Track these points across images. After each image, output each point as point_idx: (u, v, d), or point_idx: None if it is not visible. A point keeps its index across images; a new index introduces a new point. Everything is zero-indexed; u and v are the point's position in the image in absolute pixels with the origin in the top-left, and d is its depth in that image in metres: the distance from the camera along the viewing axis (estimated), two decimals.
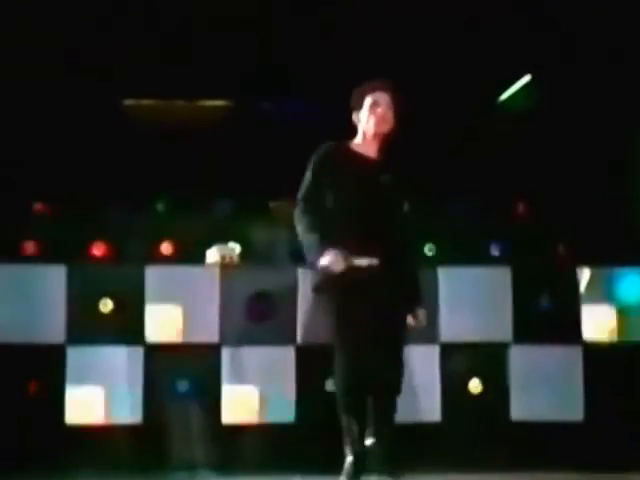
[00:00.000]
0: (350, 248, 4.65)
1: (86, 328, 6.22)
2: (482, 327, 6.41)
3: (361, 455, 4.74)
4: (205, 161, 7.17)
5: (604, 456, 6.00)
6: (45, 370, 6.17)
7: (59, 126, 7.04)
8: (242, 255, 6.67)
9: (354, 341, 4.67)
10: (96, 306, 6.26)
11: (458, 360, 6.43)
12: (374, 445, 4.78)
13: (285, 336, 6.29)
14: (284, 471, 5.79)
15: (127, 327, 6.26)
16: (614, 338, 6.54)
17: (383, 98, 4.89)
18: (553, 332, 6.44)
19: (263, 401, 6.24)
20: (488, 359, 6.46)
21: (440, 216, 6.96)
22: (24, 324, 6.16)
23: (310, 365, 6.12)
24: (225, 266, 6.46)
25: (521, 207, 7.17)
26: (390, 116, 4.88)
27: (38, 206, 6.80)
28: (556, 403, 6.35)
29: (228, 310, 6.30)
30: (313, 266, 4.71)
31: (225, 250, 6.57)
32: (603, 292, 6.55)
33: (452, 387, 6.40)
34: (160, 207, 7.08)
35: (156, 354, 6.25)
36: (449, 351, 6.41)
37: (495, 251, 6.92)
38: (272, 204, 7.06)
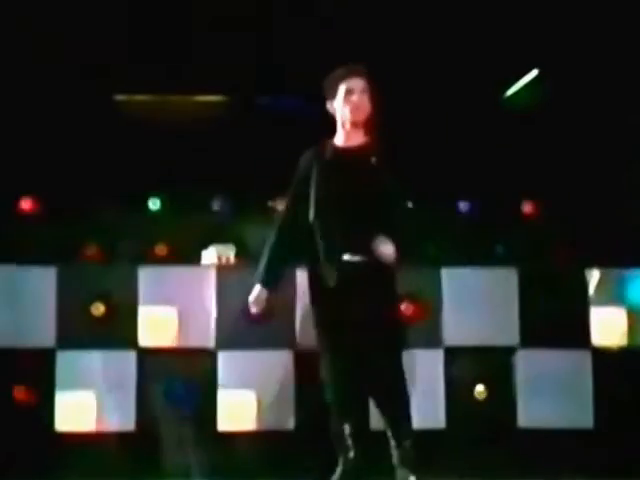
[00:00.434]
0: (338, 245, 4.63)
1: (77, 332, 6.17)
2: (487, 330, 6.36)
3: (351, 468, 4.69)
4: (201, 158, 7.09)
5: (615, 465, 5.99)
6: (34, 375, 6.14)
7: (49, 122, 6.96)
8: (239, 256, 6.59)
9: (338, 348, 4.67)
10: (87, 309, 6.22)
11: (463, 365, 6.38)
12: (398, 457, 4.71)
13: (283, 339, 6.25)
14: None
15: (119, 331, 6.22)
16: (624, 342, 6.48)
17: (357, 84, 4.73)
18: (561, 336, 6.37)
19: (260, 407, 6.21)
20: (494, 364, 6.41)
21: (444, 215, 6.86)
22: (13, 327, 6.13)
23: (309, 370, 5.80)
24: (221, 267, 6.43)
25: (528, 206, 7.06)
26: (366, 103, 4.73)
27: (27, 205, 6.73)
28: (565, 410, 6.30)
29: (224, 313, 6.26)
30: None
31: (222, 250, 6.53)
32: (613, 294, 6.50)
33: (456, 393, 6.34)
34: (154, 206, 6.97)
35: (149, 359, 6.22)
36: (453, 355, 6.36)
37: (501, 251, 6.81)
38: (270, 203, 6.87)
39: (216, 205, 6.97)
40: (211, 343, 6.25)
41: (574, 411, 6.32)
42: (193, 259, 6.54)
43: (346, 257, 4.63)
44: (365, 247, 4.59)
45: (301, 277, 5.82)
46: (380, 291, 4.66)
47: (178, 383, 6.20)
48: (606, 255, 6.52)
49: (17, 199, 6.71)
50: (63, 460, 6.03)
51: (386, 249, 4.57)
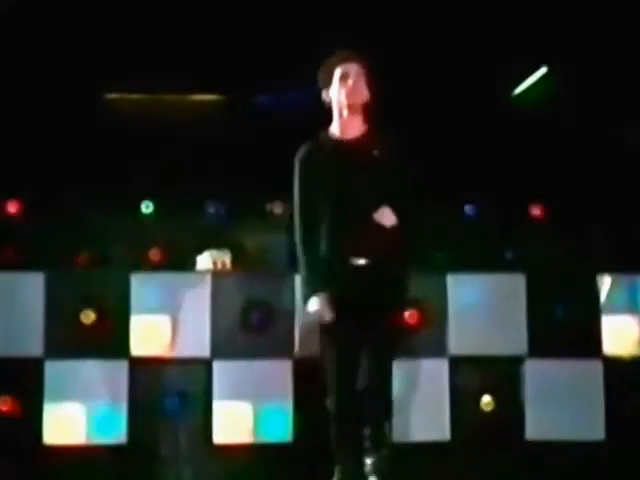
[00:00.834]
0: (340, 248, 4.66)
1: (66, 340, 6.11)
2: (494, 339, 6.29)
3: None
4: (196, 160, 7.12)
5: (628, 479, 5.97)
6: (21, 386, 6.07)
7: (37, 123, 6.98)
8: (235, 261, 6.55)
9: (339, 358, 4.74)
10: (77, 317, 6.14)
11: (469, 375, 6.30)
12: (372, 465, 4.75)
13: (282, 349, 6.17)
14: None
15: (110, 339, 6.15)
16: (637, 351, 6.41)
17: (352, 68, 4.77)
18: (571, 345, 6.31)
19: (258, 419, 6.16)
20: (501, 374, 6.34)
21: (449, 219, 6.86)
22: None
23: (309, 380, 5.80)
24: (217, 273, 6.38)
25: (536, 209, 7.05)
26: (362, 86, 4.76)
27: (13, 208, 6.71)
28: (575, 421, 6.23)
29: (220, 321, 6.21)
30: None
31: (217, 256, 6.49)
32: (625, 301, 6.42)
33: (462, 404, 6.26)
34: (147, 209, 6.97)
35: (142, 369, 6.15)
36: (459, 365, 6.29)
37: (509, 256, 6.79)
38: (268, 206, 6.96)
39: (211, 208, 6.95)
40: (206, 352, 6.18)
41: (585, 423, 6.25)
42: (187, 265, 6.51)
43: (354, 261, 4.65)
44: (372, 249, 4.62)
45: (300, 285, 5.84)
46: (387, 297, 4.70)
47: (172, 394, 6.12)
48: (618, 260, 6.50)
49: (3, 202, 6.70)
50: (51, 475, 5.97)
51: (387, 219, 4.65)
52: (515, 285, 6.36)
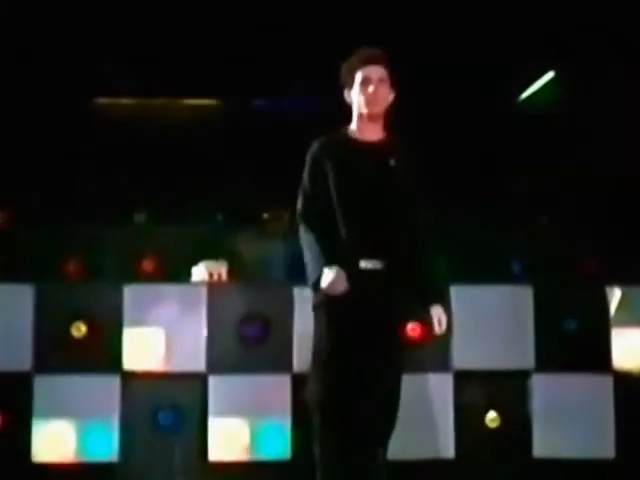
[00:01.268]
0: (353, 248, 4.58)
1: (56, 354, 6.05)
2: (500, 353, 6.23)
3: None
4: (190, 168, 7.25)
5: None
6: (10, 401, 6.00)
7: (26, 129, 7.05)
8: (232, 272, 6.53)
9: (334, 366, 4.56)
10: (67, 330, 6.08)
11: (474, 390, 6.25)
12: None
13: (280, 363, 6.11)
14: None
15: (103, 353, 6.09)
16: None
17: (375, 72, 4.67)
18: (580, 359, 6.25)
19: (255, 436, 6.09)
20: (507, 389, 6.28)
21: (455, 230, 6.82)
22: None
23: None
24: (213, 285, 6.35)
25: (544, 220, 7.09)
26: (384, 93, 4.68)
27: (1, 218, 6.70)
28: (584, 439, 6.16)
29: (216, 334, 6.15)
30: (315, 289, 4.62)
31: (213, 267, 6.44)
32: (636, 314, 6.36)
33: (467, 420, 6.21)
34: (140, 219, 6.99)
35: (135, 384, 6.08)
36: (464, 380, 6.23)
37: (516, 268, 6.76)
38: (265, 216, 6.95)
39: (207, 218, 6.95)
40: (201, 366, 6.12)
41: (594, 440, 6.18)
42: (182, 276, 6.47)
43: (363, 264, 4.57)
44: (383, 251, 4.57)
45: (299, 297, 5.96)
46: (393, 305, 4.64)
47: (166, 410, 6.07)
48: (628, 272, 6.45)
49: None
50: None
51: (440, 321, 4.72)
52: (522, 298, 6.30)
